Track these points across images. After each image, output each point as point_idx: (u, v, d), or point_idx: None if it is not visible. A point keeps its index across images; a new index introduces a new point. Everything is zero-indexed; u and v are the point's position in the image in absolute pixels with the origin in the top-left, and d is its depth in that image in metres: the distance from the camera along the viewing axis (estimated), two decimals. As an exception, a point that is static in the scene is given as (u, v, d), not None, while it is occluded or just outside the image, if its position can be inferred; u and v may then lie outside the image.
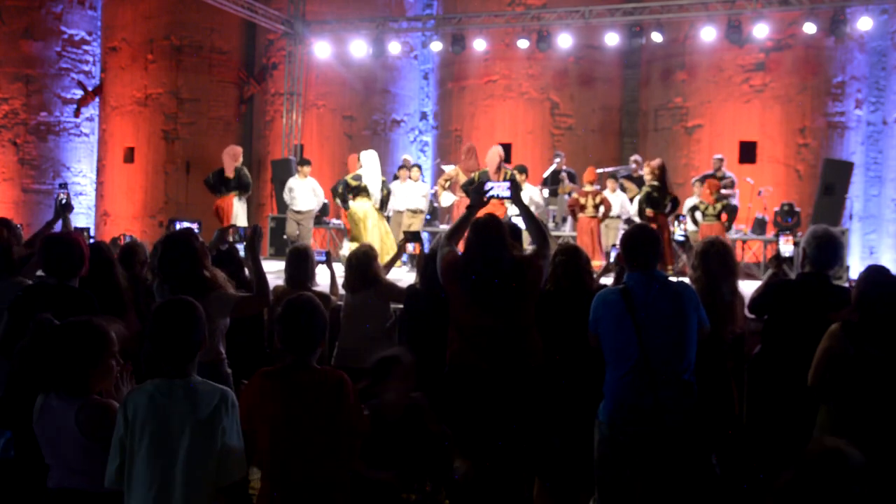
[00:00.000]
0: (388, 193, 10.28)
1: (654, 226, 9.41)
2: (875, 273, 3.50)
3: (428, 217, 12.74)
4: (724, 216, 10.19)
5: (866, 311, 3.39)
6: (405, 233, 6.74)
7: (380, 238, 9.80)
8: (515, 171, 10.06)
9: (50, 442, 2.72)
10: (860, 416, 3.34)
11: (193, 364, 2.65)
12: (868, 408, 3.32)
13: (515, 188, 3.98)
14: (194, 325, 2.66)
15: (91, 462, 2.69)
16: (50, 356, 2.73)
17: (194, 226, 4.63)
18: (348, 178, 10.04)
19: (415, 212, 10.79)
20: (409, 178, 11.00)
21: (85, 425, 2.65)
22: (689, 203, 11.05)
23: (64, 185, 5.85)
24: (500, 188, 3.96)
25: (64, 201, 5.37)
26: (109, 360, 2.73)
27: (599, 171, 11.50)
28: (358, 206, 9.87)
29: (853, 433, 3.34)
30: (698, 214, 10.36)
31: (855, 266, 12.09)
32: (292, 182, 11.17)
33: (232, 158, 10.16)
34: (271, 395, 2.82)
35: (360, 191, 9.87)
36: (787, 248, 4.45)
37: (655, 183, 9.83)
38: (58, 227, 5.26)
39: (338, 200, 10.29)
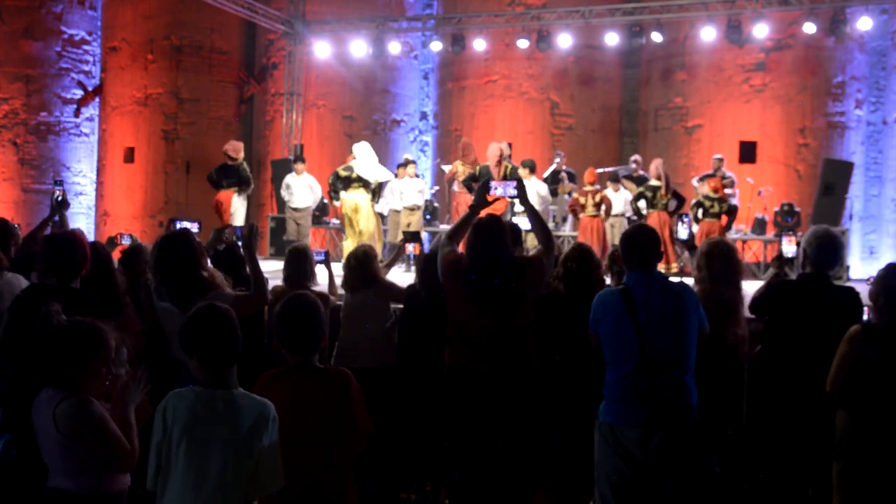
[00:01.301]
0: (380, 185, 10.13)
1: (652, 223, 9.62)
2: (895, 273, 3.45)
3: (428, 217, 12.73)
4: (724, 216, 10.24)
5: (889, 313, 3.34)
6: (405, 233, 6.72)
7: (376, 227, 9.73)
8: (522, 167, 10.07)
9: (40, 439, 2.73)
10: (884, 422, 3.28)
11: (233, 373, 2.62)
12: (892, 414, 3.26)
13: (522, 188, 3.96)
14: (233, 333, 2.62)
15: (66, 461, 2.69)
16: (44, 350, 2.73)
17: (195, 226, 4.61)
18: (339, 169, 9.89)
19: (412, 209, 10.69)
20: (406, 174, 10.95)
21: (60, 420, 2.64)
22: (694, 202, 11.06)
23: (59, 182, 5.76)
24: (506, 188, 3.93)
25: (60, 198, 5.32)
26: (100, 366, 2.72)
27: (599, 170, 11.52)
28: (349, 196, 9.67)
29: (875, 439, 3.30)
30: (700, 211, 10.40)
31: (855, 266, 12.09)
32: (289, 179, 11.20)
33: (233, 151, 10.12)
34: (276, 397, 2.81)
35: (352, 182, 9.68)
36: (789, 248, 4.44)
37: (652, 182, 10.05)
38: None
39: (331, 194, 10.27)
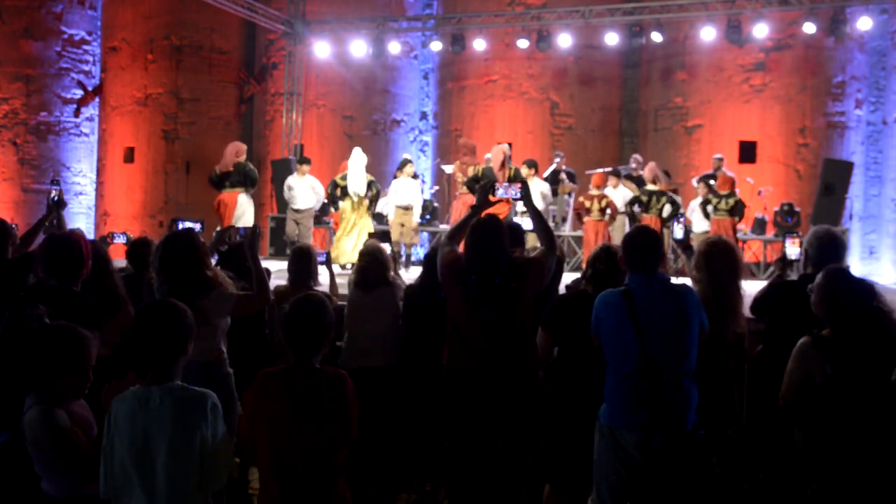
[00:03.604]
0: (377, 193, 10.21)
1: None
2: (838, 278, 3.28)
3: (428, 217, 12.71)
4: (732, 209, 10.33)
5: (839, 323, 3.19)
6: (370, 234, 6.68)
7: (356, 237, 9.76)
8: (525, 167, 10.05)
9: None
10: (845, 440, 3.13)
11: (175, 369, 2.61)
12: (854, 431, 3.12)
13: (526, 190, 3.97)
14: (176, 329, 2.61)
15: (38, 465, 2.72)
16: (22, 355, 2.74)
17: (197, 226, 4.61)
18: (337, 178, 10.16)
19: (405, 208, 10.51)
20: (403, 174, 10.88)
21: (25, 427, 2.68)
22: (696, 202, 11.07)
23: (56, 182, 5.74)
24: (511, 190, 3.95)
25: (56, 198, 5.32)
26: (76, 371, 2.71)
27: (599, 170, 11.52)
28: (344, 205, 9.99)
29: (835, 458, 3.16)
30: (710, 208, 10.42)
31: (855, 266, 12.10)
32: (291, 180, 11.10)
33: (234, 154, 10.12)
34: (274, 395, 2.82)
35: (347, 192, 9.98)
36: (793, 250, 4.42)
37: (648, 187, 10.28)
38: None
39: (331, 203, 10.37)
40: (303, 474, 2.79)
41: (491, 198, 3.93)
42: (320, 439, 2.80)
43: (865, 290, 3.22)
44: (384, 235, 6.22)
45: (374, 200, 10.14)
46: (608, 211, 10.43)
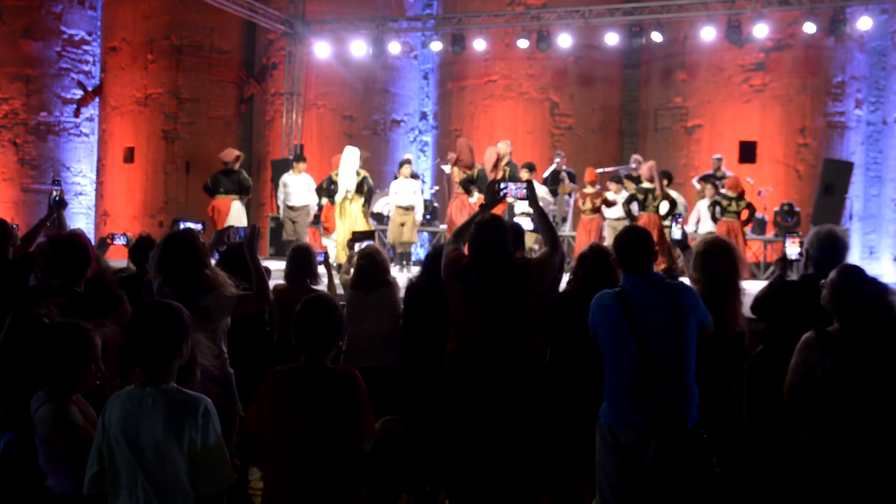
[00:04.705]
0: (370, 189, 10.18)
1: (643, 224, 9.70)
2: (852, 275, 3.28)
3: (428, 217, 12.71)
4: (744, 211, 10.29)
5: (847, 319, 3.20)
6: (354, 233, 6.65)
7: (344, 230, 9.74)
8: (525, 170, 10.07)
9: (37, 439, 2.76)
10: (843, 436, 3.15)
11: (170, 370, 2.60)
12: (852, 427, 3.14)
13: (531, 189, 3.99)
14: (171, 330, 2.60)
15: (48, 462, 2.72)
16: (31, 352, 2.75)
17: (198, 226, 4.61)
18: (333, 174, 10.20)
19: (406, 209, 10.51)
20: (402, 175, 10.87)
21: (38, 423, 2.68)
22: (703, 203, 11.07)
23: (57, 182, 5.75)
24: (516, 189, 3.98)
25: (57, 198, 5.33)
26: (88, 365, 2.73)
27: (599, 170, 11.53)
28: (339, 201, 10.04)
29: (837, 454, 3.18)
30: (718, 210, 10.42)
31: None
32: (286, 178, 11.02)
33: (234, 158, 10.22)
34: (286, 394, 2.82)
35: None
36: (793, 249, 4.42)
37: (644, 185, 10.28)
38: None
39: (322, 196, 10.37)
40: (308, 473, 2.79)
41: (496, 196, 3.96)
42: (328, 438, 2.80)
43: (878, 290, 3.23)
44: (368, 235, 6.16)
45: (367, 198, 10.12)
46: (603, 207, 10.46)
